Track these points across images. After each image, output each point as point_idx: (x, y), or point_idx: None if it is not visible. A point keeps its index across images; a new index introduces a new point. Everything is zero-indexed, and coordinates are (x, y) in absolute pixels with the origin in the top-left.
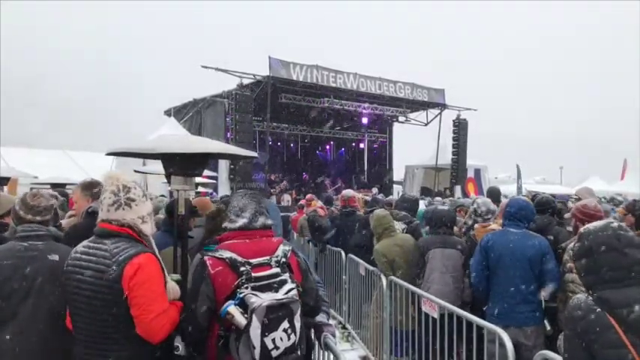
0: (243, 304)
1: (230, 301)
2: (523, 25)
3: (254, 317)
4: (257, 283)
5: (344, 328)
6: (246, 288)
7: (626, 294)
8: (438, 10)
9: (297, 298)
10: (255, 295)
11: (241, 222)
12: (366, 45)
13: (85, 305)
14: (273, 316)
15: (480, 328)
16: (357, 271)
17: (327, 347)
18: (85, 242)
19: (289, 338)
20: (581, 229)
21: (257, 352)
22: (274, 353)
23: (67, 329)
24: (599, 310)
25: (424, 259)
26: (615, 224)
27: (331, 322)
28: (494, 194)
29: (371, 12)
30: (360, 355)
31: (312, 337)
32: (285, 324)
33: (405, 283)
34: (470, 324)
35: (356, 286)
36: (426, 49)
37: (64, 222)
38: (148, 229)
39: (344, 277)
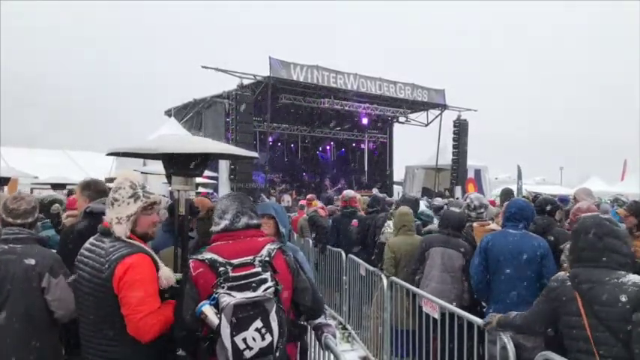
0: (217, 304)
1: (205, 301)
2: (524, 26)
3: (222, 316)
4: (234, 283)
5: (344, 328)
6: (222, 288)
7: (592, 273)
8: (438, 11)
9: (272, 296)
10: (229, 294)
11: (223, 224)
12: (366, 45)
13: (84, 301)
14: (243, 315)
15: (481, 329)
16: (357, 272)
17: (327, 348)
18: (91, 239)
19: (263, 338)
20: (580, 218)
21: (229, 352)
22: (247, 354)
23: (46, 329)
24: (569, 283)
25: (424, 256)
26: (606, 216)
27: (330, 321)
28: (509, 195)
29: (371, 12)
30: (360, 356)
31: (311, 338)
32: (258, 323)
33: (406, 284)
34: (471, 324)
35: (356, 286)
36: (426, 50)
37: (66, 222)
38: (121, 230)
39: (344, 277)
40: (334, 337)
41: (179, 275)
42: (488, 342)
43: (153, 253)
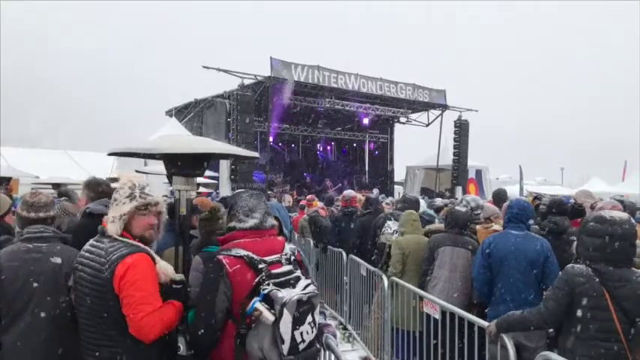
0: (267, 300)
1: (255, 298)
2: (525, 26)
3: (285, 311)
4: (277, 280)
5: (345, 328)
6: (268, 285)
7: (617, 272)
8: (439, 11)
9: (318, 293)
10: (279, 290)
11: (252, 222)
12: (366, 45)
13: (85, 302)
14: (302, 309)
15: (481, 329)
16: (358, 272)
17: (328, 348)
18: (91, 240)
19: (313, 331)
20: (607, 215)
21: (286, 345)
22: (301, 346)
23: (70, 331)
24: (597, 279)
25: (433, 256)
26: (633, 220)
27: (330, 322)
28: (501, 196)
29: (371, 12)
30: (361, 356)
31: None
32: (310, 317)
33: (407, 284)
34: (471, 324)
35: (357, 286)
36: (427, 50)
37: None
38: (112, 229)
39: (345, 277)
40: (334, 337)
41: (181, 276)
42: (489, 342)
43: (153, 253)
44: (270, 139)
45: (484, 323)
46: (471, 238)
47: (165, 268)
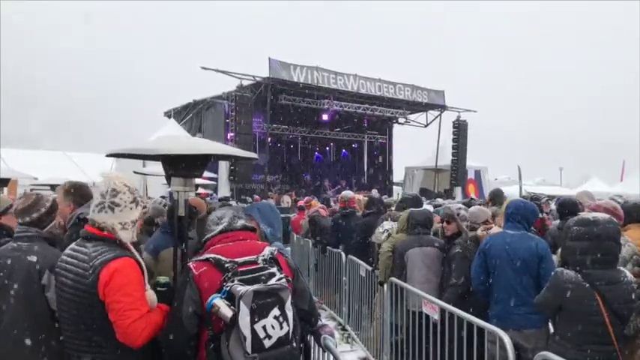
0: (230, 297)
1: (215, 294)
2: (524, 26)
3: (242, 304)
4: (244, 277)
5: (344, 329)
6: (232, 282)
7: (607, 274)
8: (438, 10)
9: (287, 286)
10: (242, 285)
11: (221, 226)
12: (365, 46)
13: (68, 308)
14: (262, 302)
15: (480, 329)
16: (357, 273)
17: (327, 348)
18: (72, 244)
19: (281, 327)
20: (590, 217)
21: (248, 342)
22: (267, 343)
23: (50, 329)
24: (587, 285)
25: (404, 260)
26: (615, 219)
27: (325, 322)
28: (498, 196)
29: (370, 12)
30: (360, 357)
31: (310, 339)
32: (276, 311)
33: (407, 285)
34: (470, 325)
35: (356, 287)
36: (426, 50)
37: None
38: (127, 236)
39: (344, 278)
40: (332, 336)
41: (166, 278)
42: (487, 342)
43: (139, 256)
44: (269, 140)
45: (483, 324)
46: (435, 236)
47: (153, 300)
